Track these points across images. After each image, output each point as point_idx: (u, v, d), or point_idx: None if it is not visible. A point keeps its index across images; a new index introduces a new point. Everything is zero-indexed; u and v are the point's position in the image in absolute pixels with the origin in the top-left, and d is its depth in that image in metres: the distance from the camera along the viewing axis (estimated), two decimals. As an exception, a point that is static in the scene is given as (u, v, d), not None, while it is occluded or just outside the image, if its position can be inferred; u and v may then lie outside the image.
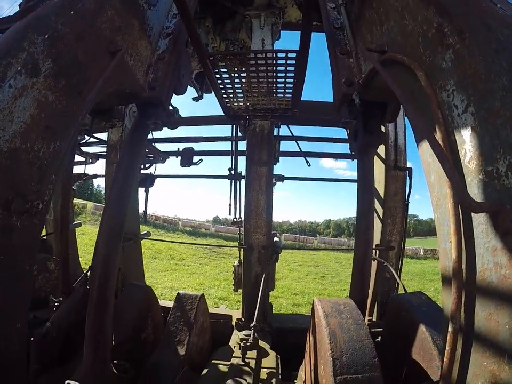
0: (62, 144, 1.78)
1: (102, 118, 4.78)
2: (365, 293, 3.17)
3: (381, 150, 5.39)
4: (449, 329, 1.31)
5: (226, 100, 4.11)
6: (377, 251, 5.20)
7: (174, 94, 3.09)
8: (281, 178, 5.62)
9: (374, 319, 5.14)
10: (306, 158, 5.62)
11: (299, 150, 5.73)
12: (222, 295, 12.41)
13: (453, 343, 1.29)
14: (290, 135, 5.62)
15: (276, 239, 4.90)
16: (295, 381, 3.21)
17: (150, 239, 6.43)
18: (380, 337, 3.14)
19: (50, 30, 1.71)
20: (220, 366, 2.92)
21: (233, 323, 4.69)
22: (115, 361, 2.87)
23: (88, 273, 3.95)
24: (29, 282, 1.72)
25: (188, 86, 3.82)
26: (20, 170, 1.57)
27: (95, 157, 7.17)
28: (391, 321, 3.03)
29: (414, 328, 2.51)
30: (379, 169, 5.32)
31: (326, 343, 2.12)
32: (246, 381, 2.46)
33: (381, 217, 5.29)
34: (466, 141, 1.38)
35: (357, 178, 3.50)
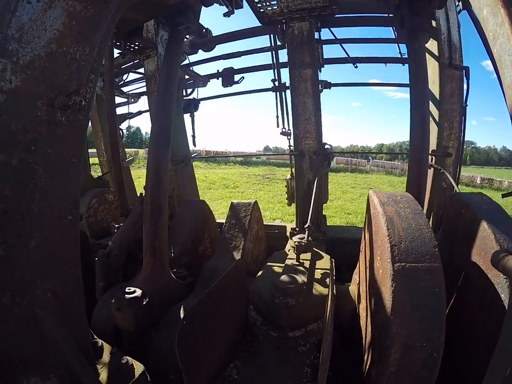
0: (95, 47, 1.85)
1: (134, 44, 4.80)
2: (422, 190, 3.04)
3: (434, 48, 4.91)
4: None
5: (259, 5, 3.93)
6: (434, 157, 4.91)
7: (202, 6, 3.04)
8: (328, 85, 5.40)
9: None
10: (352, 64, 5.34)
11: (344, 56, 5.39)
12: (277, 216, 12.61)
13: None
14: (333, 38, 5.20)
15: (327, 146, 4.80)
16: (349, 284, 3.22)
17: (200, 157, 6.70)
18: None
19: None
20: (275, 267, 2.95)
21: (288, 234, 4.77)
22: (174, 270, 3.03)
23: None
24: (78, 176, 1.81)
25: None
26: (59, 71, 1.69)
27: (137, 96, 7.40)
28: (450, 221, 2.85)
29: (474, 226, 2.29)
30: (433, 68, 4.87)
31: (383, 230, 2.03)
32: (301, 278, 2.48)
33: (437, 120, 4.92)
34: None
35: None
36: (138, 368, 1.96)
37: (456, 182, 4.72)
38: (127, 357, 1.97)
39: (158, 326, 2.54)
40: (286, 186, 5.51)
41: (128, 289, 2.45)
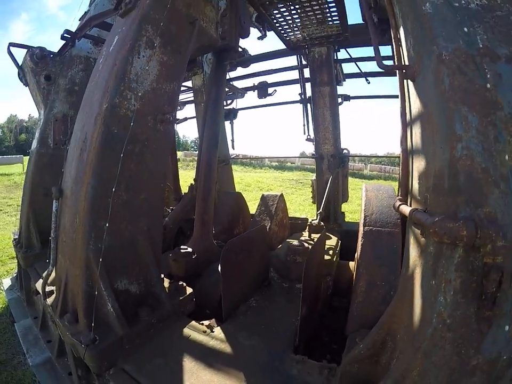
0: (176, 84, 2.90)
1: (186, 69, 5.76)
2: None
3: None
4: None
5: (285, 35, 4.82)
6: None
7: (240, 38, 3.84)
8: (347, 97, 6.03)
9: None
10: (368, 77, 5.81)
11: (361, 72, 5.75)
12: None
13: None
14: (349, 57, 5.67)
15: (345, 151, 5.56)
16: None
17: (238, 158, 7.51)
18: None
19: (152, 20, 2.66)
20: (291, 242, 3.75)
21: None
22: (215, 241, 3.98)
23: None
24: (167, 161, 3.02)
25: (252, 29, 4.37)
26: (159, 100, 2.74)
27: (183, 103, 8.24)
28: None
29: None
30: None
31: (362, 206, 2.91)
32: (309, 246, 3.40)
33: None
34: None
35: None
36: (189, 289, 2.93)
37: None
38: (181, 281, 2.95)
39: (201, 276, 3.48)
40: (311, 186, 6.30)
41: (183, 247, 3.46)
